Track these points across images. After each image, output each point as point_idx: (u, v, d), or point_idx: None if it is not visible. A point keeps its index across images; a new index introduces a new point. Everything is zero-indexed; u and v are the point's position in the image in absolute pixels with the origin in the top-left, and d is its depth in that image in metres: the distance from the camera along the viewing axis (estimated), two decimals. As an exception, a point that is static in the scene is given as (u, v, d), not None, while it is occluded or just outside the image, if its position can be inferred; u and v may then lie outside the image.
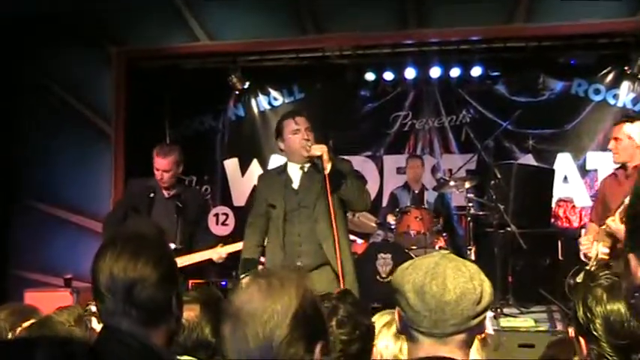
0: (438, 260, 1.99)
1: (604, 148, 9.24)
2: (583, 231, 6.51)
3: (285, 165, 5.29)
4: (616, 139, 5.56)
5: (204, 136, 10.30)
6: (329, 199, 4.86)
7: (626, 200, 5.46)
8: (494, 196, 7.64)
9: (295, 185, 5.14)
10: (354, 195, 5.04)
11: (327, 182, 4.85)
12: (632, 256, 1.41)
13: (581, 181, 9.52)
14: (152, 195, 6.13)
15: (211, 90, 10.02)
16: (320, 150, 4.94)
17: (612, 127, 5.81)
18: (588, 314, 2.26)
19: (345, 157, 5.36)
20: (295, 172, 5.16)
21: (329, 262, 4.91)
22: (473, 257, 7.70)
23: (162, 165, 6.10)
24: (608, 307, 2.23)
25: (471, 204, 8.09)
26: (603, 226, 5.32)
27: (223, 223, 10.19)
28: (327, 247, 4.92)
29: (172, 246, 5.55)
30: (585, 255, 5.64)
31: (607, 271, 2.35)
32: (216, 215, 10.20)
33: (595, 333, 2.24)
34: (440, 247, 8.21)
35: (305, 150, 5.01)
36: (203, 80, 9.81)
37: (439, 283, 1.93)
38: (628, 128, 5.50)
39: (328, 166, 4.91)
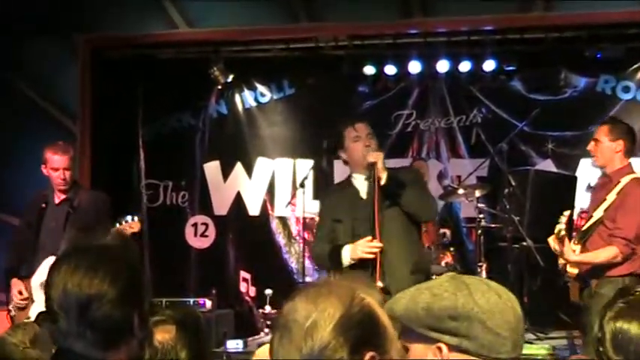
0: (467, 280, 2.01)
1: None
2: None
3: (349, 177, 5.53)
4: (596, 140, 5.82)
5: (182, 136, 10.22)
6: (375, 210, 5.03)
7: (596, 214, 5.65)
8: (508, 207, 7.61)
9: (363, 195, 5.32)
10: (414, 205, 5.23)
11: (377, 192, 5.05)
12: None
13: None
14: (44, 205, 6.21)
15: (190, 84, 9.95)
16: (374, 157, 5.12)
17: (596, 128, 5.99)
18: (600, 332, 2.28)
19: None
20: (361, 183, 5.36)
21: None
22: (484, 275, 7.66)
23: (63, 162, 6.22)
24: (618, 325, 2.24)
25: (481, 215, 8.08)
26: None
27: (203, 235, 10.18)
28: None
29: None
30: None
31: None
32: (195, 225, 10.20)
33: (603, 356, 2.26)
34: (447, 264, 8.17)
35: (366, 158, 5.19)
36: (181, 73, 9.76)
37: (510, 298, 1.99)
38: (608, 131, 5.81)
39: (383, 176, 5.11)
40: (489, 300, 1.94)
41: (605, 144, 5.82)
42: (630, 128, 6.09)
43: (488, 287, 1.99)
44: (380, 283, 4.93)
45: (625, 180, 5.75)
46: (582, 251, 5.67)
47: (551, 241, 5.50)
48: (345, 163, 5.59)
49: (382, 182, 5.12)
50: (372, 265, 5.06)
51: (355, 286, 1.83)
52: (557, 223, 5.70)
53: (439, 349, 1.95)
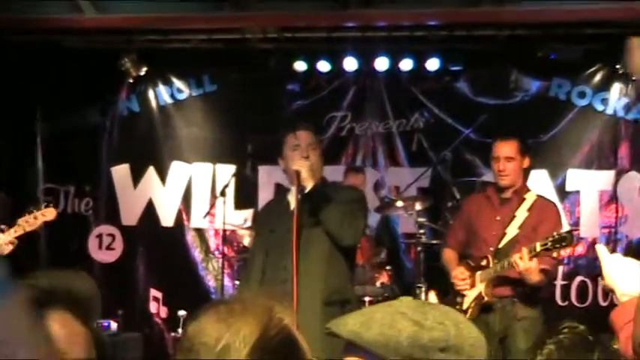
0: (436, 308, 1.99)
1: (589, 164, 9.29)
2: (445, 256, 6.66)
3: (286, 189, 5.69)
4: (509, 158, 6.10)
5: (87, 135, 10.04)
6: (293, 228, 5.08)
7: (509, 231, 5.91)
8: (451, 222, 7.53)
9: (291, 208, 5.34)
10: (332, 224, 5.23)
11: (296, 205, 5.13)
12: None
13: (560, 206, 9.48)
14: None
15: (98, 76, 9.79)
16: (299, 166, 5.18)
17: (499, 143, 6.25)
18: None
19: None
20: (293, 195, 5.38)
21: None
22: (423, 297, 7.60)
23: None
24: None
25: (422, 230, 8.00)
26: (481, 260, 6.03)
27: (108, 247, 9.97)
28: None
29: None
30: (459, 292, 5.81)
31: (573, 325, 2.36)
32: (100, 237, 9.98)
33: None
34: (382, 284, 8.11)
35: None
36: (87, 63, 9.60)
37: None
38: (519, 147, 6.16)
39: (308, 186, 5.18)
40: (472, 333, 1.94)
41: (517, 161, 6.12)
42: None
43: (464, 318, 1.99)
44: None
45: (530, 196, 6.17)
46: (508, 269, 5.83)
47: (524, 260, 5.51)
48: (284, 172, 5.62)
49: (305, 191, 5.17)
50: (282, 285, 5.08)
51: (271, 304, 1.78)
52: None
53: None
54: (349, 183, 8.80)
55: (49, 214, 5.88)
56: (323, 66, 9.62)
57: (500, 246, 5.99)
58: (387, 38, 9.31)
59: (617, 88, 9.38)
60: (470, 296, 5.99)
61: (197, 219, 9.85)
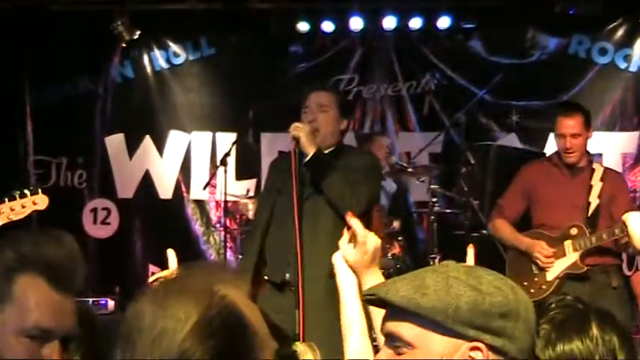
0: (485, 271, 2.01)
1: (611, 126, 9.29)
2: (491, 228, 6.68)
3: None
4: (575, 135, 6.05)
5: (79, 104, 10.02)
6: (294, 193, 5.00)
7: (592, 200, 5.94)
8: (466, 189, 7.60)
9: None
10: (333, 195, 5.15)
11: (294, 173, 5.03)
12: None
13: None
14: None
15: (89, 41, 9.77)
16: (296, 131, 5.07)
17: (562, 118, 6.17)
18: None
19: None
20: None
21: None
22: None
23: None
24: (559, 349, 2.24)
25: (435, 199, 8.05)
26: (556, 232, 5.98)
27: (104, 222, 9.99)
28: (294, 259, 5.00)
29: None
30: (543, 269, 5.84)
31: (559, 299, 2.36)
32: (94, 211, 10.00)
33: None
34: (393, 255, 8.11)
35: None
36: (77, 28, 9.60)
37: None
38: (585, 121, 6.10)
39: (310, 153, 5.05)
40: (525, 297, 1.98)
41: (583, 136, 6.06)
42: None
43: (510, 280, 2.03)
44: (287, 275, 4.97)
45: (597, 167, 6.19)
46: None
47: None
48: None
49: (305, 159, 5.09)
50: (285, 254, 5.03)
51: (213, 280, 1.72)
52: None
53: (476, 348, 1.94)
54: (375, 147, 8.83)
55: (41, 202, 5.68)
56: (327, 26, 9.61)
57: (589, 215, 5.99)
58: (395, -5, 9.31)
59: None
60: (558, 266, 5.95)
61: (197, 190, 9.87)
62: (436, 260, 7.90)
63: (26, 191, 5.51)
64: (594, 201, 6.01)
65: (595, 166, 6.19)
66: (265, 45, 9.89)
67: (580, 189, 6.08)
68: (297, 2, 9.49)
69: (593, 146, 9.21)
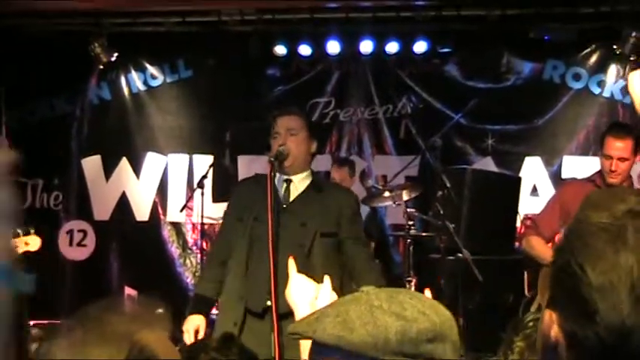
0: (403, 294, 1.96)
1: (585, 150, 9.34)
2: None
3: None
4: (623, 159, 5.92)
5: (55, 125, 10.06)
6: (269, 219, 4.94)
7: None
8: (441, 212, 7.57)
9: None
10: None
11: (270, 200, 4.96)
12: (549, 313, 1.51)
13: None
14: None
15: (66, 63, 9.78)
16: (270, 156, 5.14)
17: (612, 139, 6.01)
18: None
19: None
20: (280, 183, 5.32)
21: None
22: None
23: None
24: None
25: (411, 222, 8.02)
26: None
27: (80, 244, 9.95)
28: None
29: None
30: None
31: (537, 317, 2.30)
32: (70, 232, 9.97)
33: None
34: (369, 279, 8.10)
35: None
36: (55, 49, 9.60)
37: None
38: (634, 146, 5.93)
39: (294, 178, 5.18)
40: (445, 312, 1.94)
41: (630, 161, 5.99)
42: None
43: (431, 299, 1.99)
44: (268, 302, 4.86)
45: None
46: None
47: None
48: None
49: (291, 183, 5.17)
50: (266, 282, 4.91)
51: (135, 327, 1.70)
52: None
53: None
54: (333, 177, 8.82)
55: (33, 243, 5.43)
56: (304, 49, 9.63)
57: None
58: (372, 19, 9.36)
59: (613, 69, 9.45)
60: None
61: (173, 213, 9.85)
62: (412, 283, 7.90)
63: (19, 230, 5.35)
64: None
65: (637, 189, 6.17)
66: (243, 68, 9.88)
67: None
68: (275, 25, 9.48)
69: (567, 170, 9.35)
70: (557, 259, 1.48)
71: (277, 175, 5.20)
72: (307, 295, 2.97)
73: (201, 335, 5.04)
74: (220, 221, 8.64)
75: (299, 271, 5.05)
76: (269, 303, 4.84)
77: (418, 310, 1.92)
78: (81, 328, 1.66)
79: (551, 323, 1.48)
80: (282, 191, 5.22)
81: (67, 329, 1.67)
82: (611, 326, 1.37)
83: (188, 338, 4.97)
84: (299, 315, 2.95)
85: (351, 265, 5.22)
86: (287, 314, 4.76)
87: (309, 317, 2.00)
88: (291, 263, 2.83)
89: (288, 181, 5.22)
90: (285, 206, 5.15)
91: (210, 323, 8.25)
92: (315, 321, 1.95)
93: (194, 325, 5.02)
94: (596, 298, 1.37)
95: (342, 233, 5.16)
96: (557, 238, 6.46)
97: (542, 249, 6.32)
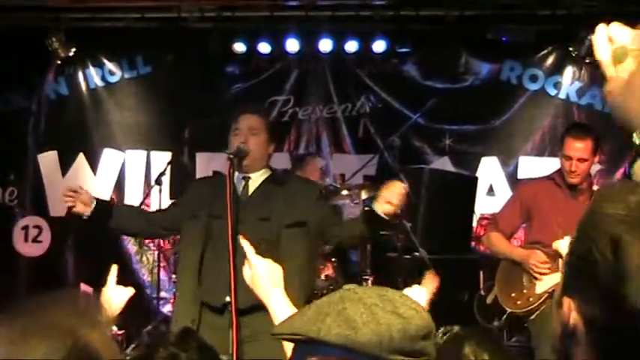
0: (390, 292, 2.00)
1: (541, 151, 9.41)
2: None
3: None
4: (582, 160, 5.95)
5: (11, 120, 9.91)
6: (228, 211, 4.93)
7: None
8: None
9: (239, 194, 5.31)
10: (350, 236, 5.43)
11: (229, 197, 4.94)
12: (567, 300, 1.55)
13: (511, 193, 9.58)
14: None
15: (23, 57, 9.67)
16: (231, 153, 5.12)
17: (571, 140, 6.04)
18: None
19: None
20: (239, 182, 5.34)
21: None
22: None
23: None
24: None
25: (368, 220, 8.00)
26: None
27: (35, 240, 9.84)
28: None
29: None
30: (534, 279, 5.87)
31: (447, 329, 2.46)
32: (25, 229, 9.86)
33: None
34: (327, 277, 8.09)
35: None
36: (11, 43, 9.43)
37: None
38: (594, 147, 5.94)
39: (253, 176, 5.25)
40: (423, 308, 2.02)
41: (589, 162, 6.02)
42: None
43: (408, 295, 2.05)
44: (227, 298, 4.83)
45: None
46: None
47: None
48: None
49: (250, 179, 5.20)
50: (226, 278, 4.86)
51: (79, 322, 1.64)
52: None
53: None
54: (308, 168, 8.81)
55: None
56: (264, 47, 9.59)
57: None
58: (331, 18, 9.31)
59: (569, 71, 9.52)
60: (549, 282, 5.92)
61: (130, 209, 9.76)
62: (369, 282, 7.90)
63: None
64: None
65: (596, 188, 6.14)
66: (202, 64, 9.83)
67: (579, 210, 5.92)
68: (235, 22, 9.44)
69: (523, 171, 9.40)
70: (575, 248, 1.53)
71: (236, 173, 5.21)
72: (274, 278, 2.97)
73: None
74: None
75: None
76: (228, 299, 4.83)
77: (410, 307, 1.96)
78: (20, 320, 1.60)
79: (570, 311, 1.52)
80: (240, 188, 5.23)
81: (4, 323, 1.58)
82: (636, 309, 1.41)
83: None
84: (266, 298, 2.95)
85: (338, 229, 5.33)
86: (246, 310, 4.79)
87: (303, 316, 1.99)
88: (246, 245, 2.82)
89: (247, 178, 5.24)
90: (243, 201, 5.16)
91: (167, 319, 8.24)
92: (322, 322, 1.95)
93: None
94: (620, 282, 1.42)
95: (315, 217, 5.19)
96: (517, 235, 6.52)
97: (501, 245, 6.37)
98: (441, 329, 2.40)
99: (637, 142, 1.67)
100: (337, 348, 1.90)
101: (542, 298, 5.94)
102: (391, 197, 5.06)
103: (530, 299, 5.98)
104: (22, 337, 1.56)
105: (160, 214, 5.74)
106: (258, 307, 4.81)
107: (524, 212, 6.31)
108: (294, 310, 2.81)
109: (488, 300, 6.75)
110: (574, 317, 1.52)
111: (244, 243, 2.84)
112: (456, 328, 2.45)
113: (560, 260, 5.86)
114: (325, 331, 1.91)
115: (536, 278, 6.01)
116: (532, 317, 6.10)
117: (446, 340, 2.41)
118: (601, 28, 1.72)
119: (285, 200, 5.16)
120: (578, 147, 5.97)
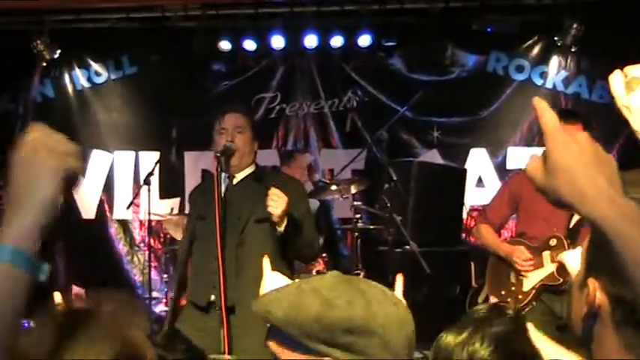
0: (360, 284, 1.97)
1: (530, 141, 9.40)
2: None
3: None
4: None
5: (-2, 123, 9.81)
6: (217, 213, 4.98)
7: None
8: (388, 205, 7.56)
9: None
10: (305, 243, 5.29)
11: (217, 196, 5.03)
12: (592, 281, 1.60)
13: (500, 184, 9.58)
14: None
15: (8, 60, 9.54)
16: (276, 207, 5.00)
17: (564, 125, 5.80)
18: None
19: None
20: (224, 182, 5.33)
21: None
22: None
23: None
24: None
25: (358, 215, 8.00)
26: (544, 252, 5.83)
27: (25, 243, 9.80)
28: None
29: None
30: (521, 277, 5.81)
31: (508, 311, 2.27)
32: (14, 232, 9.81)
33: None
34: (318, 272, 8.09)
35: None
36: (-4, 46, 9.37)
37: (405, 308, 2.02)
38: (582, 129, 5.69)
39: (237, 174, 5.26)
40: (388, 312, 1.93)
41: None
42: None
43: (385, 295, 1.97)
44: (212, 297, 4.93)
45: None
46: None
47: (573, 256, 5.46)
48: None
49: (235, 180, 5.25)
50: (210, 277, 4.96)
51: (126, 323, 1.70)
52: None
53: None
54: (295, 164, 8.80)
55: None
56: (249, 44, 9.57)
57: (571, 226, 5.82)
58: (316, 13, 9.30)
59: (555, 61, 9.53)
60: (535, 277, 5.87)
61: (120, 210, 9.76)
62: (360, 276, 7.89)
63: None
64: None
65: None
66: (188, 63, 9.80)
67: None
68: (219, 20, 9.41)
69: (512, 161, 9.40)
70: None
71: (222, 173, 5.22)
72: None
73: None
74: (167, 217, 8.73)
75: (243, 264, 5.07)
76: (213, 297, 4.89)
77: (348, 299, 1.91)
78: (71, 317, 1.66)
79: (595, 290, 1.58)
80: (224, 187, 5.23)
81: (56, 316, 1.65)
82: None
83: None
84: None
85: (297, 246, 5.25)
86: (232, 308, 4.80)
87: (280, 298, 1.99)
88: (266, 262, 2.80)
89: (232, 178, 5.25)
90: (228, 200, 5.17)
91: (159, 319, 8.22)
92: (274, 298, 1.98)
93: None
94: None
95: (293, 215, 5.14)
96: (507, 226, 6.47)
97: (488, 237, 6.27)
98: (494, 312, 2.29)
99: None
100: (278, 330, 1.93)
101: (531, 295, 5.89)
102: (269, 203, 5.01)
103: (519, 297, 5.93)
104: (72, 331, 1.63)
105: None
106: (244, 305, 4.87)
107: (512, 203, 6.21)
108: None
109: (480, 299, 6.74)
110: (599, 297, 1.57)
111: (265, 261, 2.78)
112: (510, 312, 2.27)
113: (544, 254, 5.86)
114: (265, 305, 1.96)
115: (522, 275, 5.97)
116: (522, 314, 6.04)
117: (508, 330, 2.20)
118: (617, 71, 1.79)
119: (259, 195, 5.15)
120: (571, 131, 5.86)
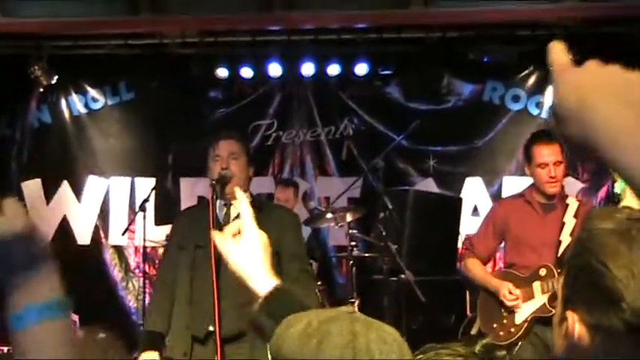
0: (352, 327, 1.78)
1: (524, 171, 9.37)
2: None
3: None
4: (558, 163, 5.68)
5: (-5, 149, 9.81)
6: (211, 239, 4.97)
7: (563, 238, 5.65)
8: (384, 233, 7.54)
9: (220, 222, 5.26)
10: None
11: (211, 223, 4.96)
12: (570, 314, 1.71)
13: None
14: None
15: (5, 85, 9.60)
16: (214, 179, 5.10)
17: (542, 146, 5.78)
18: None
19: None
20: (220, 208, 5.29)
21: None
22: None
23: None
24: None
25: (353, 243, 7.98)
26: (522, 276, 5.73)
27: (20, 268, 9.77)
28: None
29: None
30: (512, 311, 5.72)
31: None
32: (10, 257, 9.78)
33: None
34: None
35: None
36: (-7, 72, 9.36)
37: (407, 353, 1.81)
38: (562, 149, 5.69)
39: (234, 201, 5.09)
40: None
41: (564, 164, 5.74)
42: None
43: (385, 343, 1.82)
44: (210, 327, 4.85)
45: (572, 201, 5.82)
46: None
47: None
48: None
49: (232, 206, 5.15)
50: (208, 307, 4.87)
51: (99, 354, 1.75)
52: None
53: None
54: (278, 197, 8.78)
55: None
56: (246, 72, 9.60)
57: (559, 255, 5.69)
58: (314, 42, 9.31)
59: (551, 91, 9.49)
60: (527, 309, 5.71)
61: (115, 236, 9.72)
62: (355, 304, 7.86)
63: None
64: (566, 239, 5.68)
65: (569, 200, 5.85)
66: (185, 90, 9.82)
67: (552, 227, 5.77)
68: (217, 47, 9.43)
69: (507, 190, 9.40)
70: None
71: (217, 200, 5.19)
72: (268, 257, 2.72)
73: None
74: (163, 244, 8.69)
75: (240, 292, 5.02)
76: (211, 328, 4.83)
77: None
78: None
79: (574, 323, 1.68)
80: (222, 215, 5.19)
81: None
82: (637, 310, 1.58)
83: None
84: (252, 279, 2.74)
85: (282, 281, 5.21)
86: (231, 338, 4.76)
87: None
88: (244, 201, 2.63)
89: (228, 205, 5.20)
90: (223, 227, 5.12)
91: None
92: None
93: None
94: (620, 287, 1.60)
95: (282, 249, 5.11)
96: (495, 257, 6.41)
97: (476, 271, 6.10)
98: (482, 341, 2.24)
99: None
100: None
101: (523, 328, 5.78)
102: None
103: (512, 330, 5.79)
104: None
105: (167, 274, 5.41)
106: (242, 336, 4.84)
107: (498, 233, 6.05)
108: None
109: (473, 331, 6.70)
110: (578, 329, 1.67)
111: (239, 194, 2.64)
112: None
113: (535, 285, 5.77)
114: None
115: (512, 309, 5.85)
116: (516, 349, 5.92)
117: None
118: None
119: (262, 227, 5.10)
120: (551, 151, 5.70)
